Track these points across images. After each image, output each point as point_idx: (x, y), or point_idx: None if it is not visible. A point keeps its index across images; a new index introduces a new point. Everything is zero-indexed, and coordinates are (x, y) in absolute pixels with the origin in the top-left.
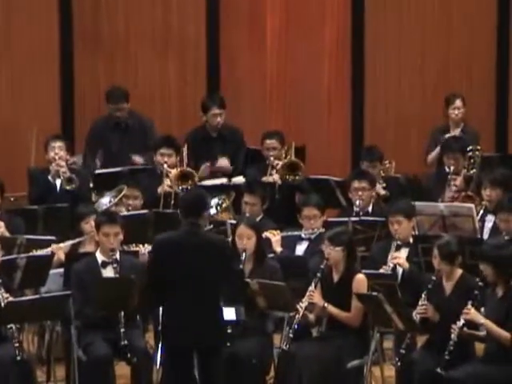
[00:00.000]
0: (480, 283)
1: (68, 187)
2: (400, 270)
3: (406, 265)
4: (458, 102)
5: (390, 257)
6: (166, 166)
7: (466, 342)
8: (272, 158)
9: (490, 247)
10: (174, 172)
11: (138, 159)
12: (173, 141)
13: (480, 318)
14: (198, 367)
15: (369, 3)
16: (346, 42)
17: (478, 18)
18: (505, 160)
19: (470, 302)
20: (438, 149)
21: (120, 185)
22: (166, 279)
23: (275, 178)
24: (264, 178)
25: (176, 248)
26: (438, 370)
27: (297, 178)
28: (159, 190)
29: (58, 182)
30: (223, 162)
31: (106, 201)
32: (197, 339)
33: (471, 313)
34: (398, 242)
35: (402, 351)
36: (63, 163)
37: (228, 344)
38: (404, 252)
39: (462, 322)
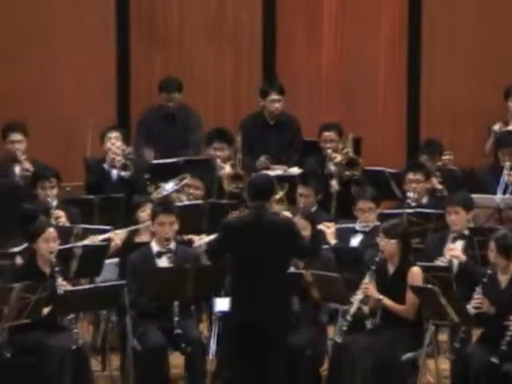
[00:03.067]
0: None
1: (123, 173)
2: (455, 263)
3: (463, 257)
4: None
5: (446, 248)
6: (219, 160)
7: None
8: (329, 151)
9: None
10: (227, 169)
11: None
12: (225, 134)
13: None
14: (258, 357)
15: (426, 5)
16: (403, 32)
17: None
18: None
19: None
20: (491, 139)
21: (182, 174)
22: (234, 261)
23: (332, 170)
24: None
25: (243, 230)
26: (493, 359)
27: (355, 173)
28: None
29: (114, 172)
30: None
31: (169, 186)
32: (259, 322)
33: None
34: (455, 234)
35: (456, 345)
36: (119, 152)
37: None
38: (460, 244)
39: None
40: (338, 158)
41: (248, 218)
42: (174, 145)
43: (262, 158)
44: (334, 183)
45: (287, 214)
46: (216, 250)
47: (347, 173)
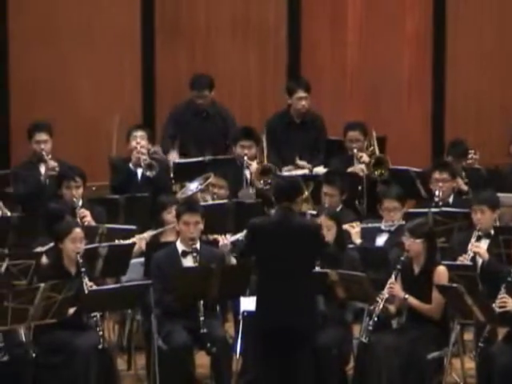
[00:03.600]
0: None
1: (148, 173)
2: (479, 261)
3: (486, 255)
4: None
5: (470, 246)
6: (246, 158)
7: None
8: (356, 151)
9: None
10: (254, 166)
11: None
12: (252, 132)
13: None
14: (285, 358)
15: (450, 7)
16: (428, 31)
17: None
18: None
19: None
20: None
21: (206, 173)
22: (260, 262)
23: (361, 169)
24: (351, 169)
25: (270, 231)
26: None
27: (383, 172)
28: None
29: (139, 171)
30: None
31: (193, 186)
32: (286, 322)
33: None
34: (480, 233)
35: (481, 344)
36: (144, 151)
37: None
38: (485, 243)
39: None
40: (365, 157)
41: (275, 219)
42: (209, 141)
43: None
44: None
45: (312, 216)
46: (244, 250)
47: (376, 172)
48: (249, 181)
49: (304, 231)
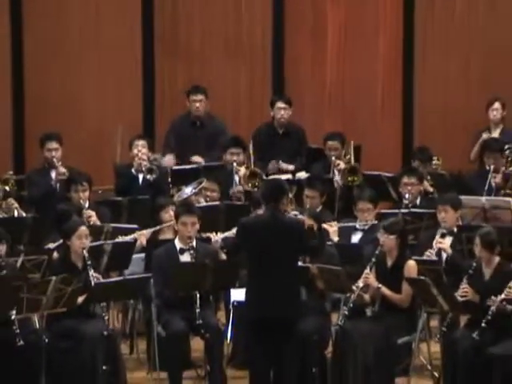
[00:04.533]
0: None
1: (149, 177)
2: (444, 256)
3: (450, 250)
4: (497, 105)
5: (435, 242)
6: (235, 164)
7: (505, 318)
8: (333, 158)
9: None
10: (242, 171)
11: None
12: (240, 141)
13: None
14: (273, 343)
15: (418, 16)
16: (398, 50)
17: None
18: None
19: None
20: (476, 146)
21: (200, 178)
22: (250, 256)
23: (337, 179)
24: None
25: (259, 229)
26: (474, 335)
27: (355, 179)
28: (230, 191)
29: (141, 176)
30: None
31: (188, 190)
32: (275, 311)
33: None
34: (444, 231)
35: (444, 329)
36: (145, 157)
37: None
38: (449, 240)
39: (502, 296)
40: (342, 165)
41: (263, 218)
42: (202, 147)
43: (271, 165)
44: (338, 180)
45: (297, 214)
46: (233, 246)
47: (349, 178)
48: (238, 184)
49: (289, 229)
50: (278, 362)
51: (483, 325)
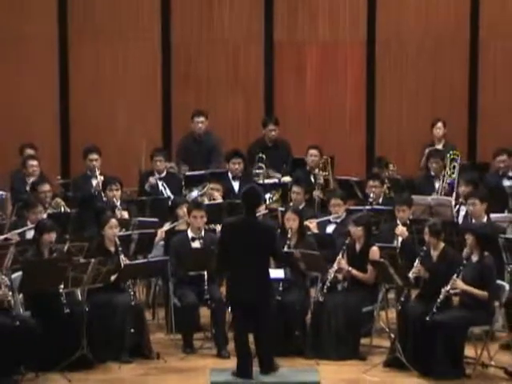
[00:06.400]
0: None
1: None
2: (400, 242)
3: (406, 233)
4: (439, 124)
5: (396, 230)
6: (236, 171)
7: (447, 297)
8: (311, 161)
9: (477, 226)
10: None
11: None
12: (240, 153)
13: (463, 286)
14: (253, 318)
15: (378, 58)
16: (363, 85)
17: (455, 75)
18: (474, 166)
19: (455, 275)
20: (424, 157)
21: (205, 182)
22: (230, 253)
23: (317, 193)
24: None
25: (237, 230)
26: (427, 318)
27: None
28: None
29: (160, 183)
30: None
31: (196, 191)
32: (249, 297)
33: (457, 283)
34: (400, 224)
35: (402, 299)
36: (163, 167)
37: (278, 297)
38: (404, 229)
39: (449, 287)
40: (317, 171)
41: (241, 220)
42: (202, 157)
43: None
44: (317, 193)
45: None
46: (220, 242)
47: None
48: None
49: (262, 231)
50: (255, 327)
51: (434, 310)
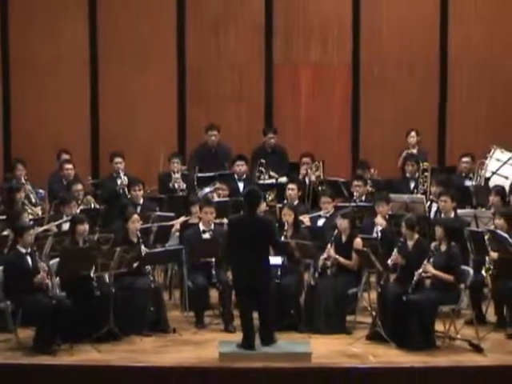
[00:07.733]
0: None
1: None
2: (379, 232)
3: (384, 223)
4: (413, 133)
5: (375, 221)
6: (240, 172)
7: (421, 280)
8: (304, 166)
9: (446, 220)
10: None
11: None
12: (244, 157)
13: (432, 270)
14: (255, 299)
15: (363, 84)
16: (349, 101)
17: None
18: (443, 169)
19: (426, 260)
20: (401, 158)
21: (214, 183)
22: (235, 244)
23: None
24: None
25: (241, 225)
26: (404, 298)
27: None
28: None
29: (176, 184)
30: None
31: (206, 190)
32: (251, 281)
33: (428, 267)
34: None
35: (382, 282)
36: (179, 169)
37: (277, 281)
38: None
39: (421, 271)
40: (313, 177)
41: (244, 216)
42: (216, 165)
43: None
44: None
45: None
46: (227, 236)
47: (319, 188)
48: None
49: (262, 225)
50: (257, 307)
51: (410, 290)
